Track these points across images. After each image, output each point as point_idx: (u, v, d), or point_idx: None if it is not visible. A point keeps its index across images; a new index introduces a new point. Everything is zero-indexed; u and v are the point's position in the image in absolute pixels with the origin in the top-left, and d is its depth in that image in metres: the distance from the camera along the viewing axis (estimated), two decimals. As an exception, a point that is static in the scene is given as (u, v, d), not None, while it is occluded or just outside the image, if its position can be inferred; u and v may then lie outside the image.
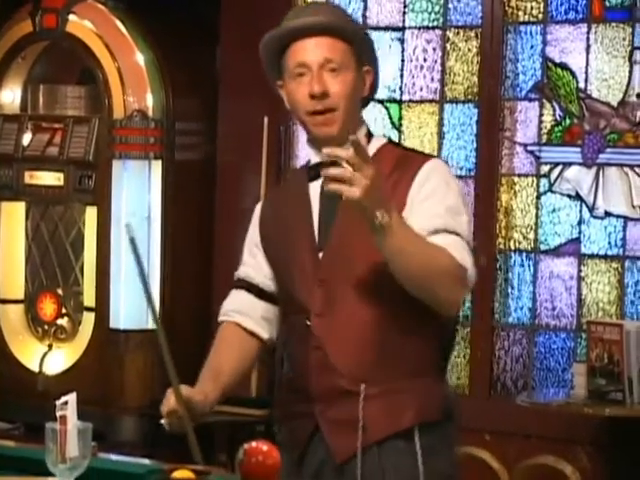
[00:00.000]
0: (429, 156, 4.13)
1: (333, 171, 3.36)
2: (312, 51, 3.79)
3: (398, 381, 3.80)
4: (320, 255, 3.84)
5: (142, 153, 7.27)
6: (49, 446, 3.22)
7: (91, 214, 7.27)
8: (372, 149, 3.82)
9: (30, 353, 7.43)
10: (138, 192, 7.30)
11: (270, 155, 7.09)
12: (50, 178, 7.41)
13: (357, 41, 3.84)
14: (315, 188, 3.88)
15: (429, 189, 3.78)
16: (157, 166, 7.29)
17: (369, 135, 3.92)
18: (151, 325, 6.52)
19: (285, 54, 3.82)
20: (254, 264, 4.06)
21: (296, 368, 4.03)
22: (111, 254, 7.06)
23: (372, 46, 3.95)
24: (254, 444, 3.12)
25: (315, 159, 3.90)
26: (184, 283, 7.40)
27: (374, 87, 3.98)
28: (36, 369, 7.20)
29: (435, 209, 3.75)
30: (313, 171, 3.90)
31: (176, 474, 3.26)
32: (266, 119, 7.02)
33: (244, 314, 4.01)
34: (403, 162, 3.85)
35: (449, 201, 3.78)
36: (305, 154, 6.88)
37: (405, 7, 7.36)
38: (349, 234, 3.77)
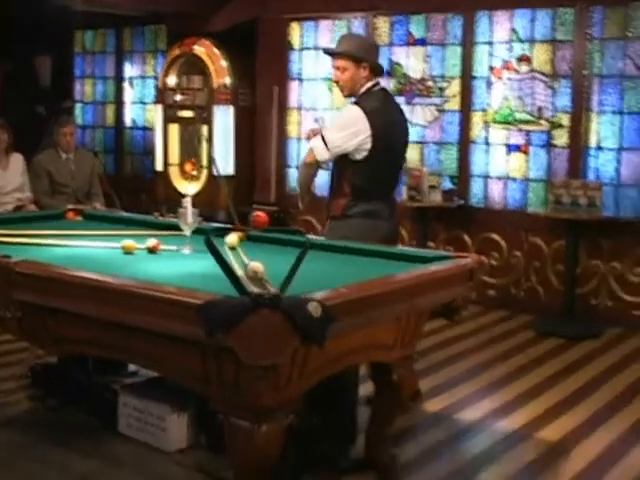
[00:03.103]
0: (357, 103, 4.58)
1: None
2: (334, 62, 4.65)
3: (335, 200, 4.65)
4: None
5: (225, 103, 8.76)
6: (181, 217, 4.07)
7: (204, 128, 8.75)
8: (377, 88, 4.61)
9: (181, 186, 8.87)
10: (223, 119, 8.75)
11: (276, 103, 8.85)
12: (188, 113, 8.92)
13: (353, 57, 4.54)
14: None
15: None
16: (231, 109, 8.77)
17: (374, 85, 4.59)
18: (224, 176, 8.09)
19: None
20: None
21: None
22: (213, 144, 8.57)
23: (365, 54, 4.56)
24: (256, 212, 4.16)
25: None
26: (242, 156, 8.81)
27: (375, 67, 4.61)
28: (184, 192, 8.15)
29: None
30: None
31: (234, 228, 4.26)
32: (276, 87, 8.81)
33: None
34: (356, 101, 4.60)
35: (333, 121, 4.95)
36: (294, 101, 8.75)
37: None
38: None
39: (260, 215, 4.32)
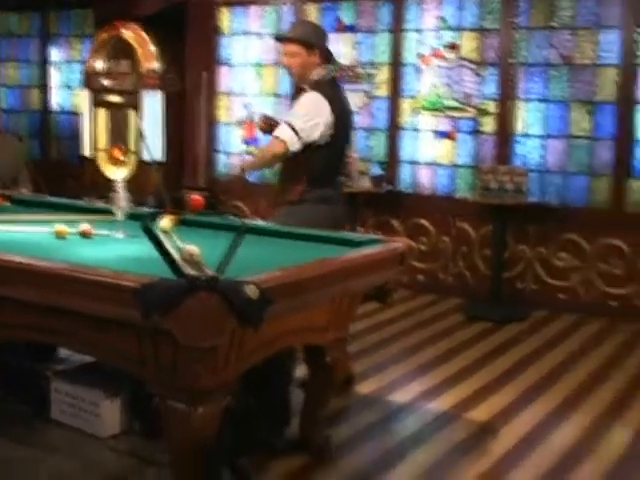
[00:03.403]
0: (316, 89, 4.55)
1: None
2: (285, 47, 4.64)
3: (291, 185, 4.64)
4: None
5: (153, 87, 8.66)
6: (113, 202, 4.22)
7: (133, 114, 8.68)
8: (328, 75, 4.62)
9: (109, 171, 8.82)
10: (152, 104, 8.63)
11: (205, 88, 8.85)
12: (116, 98, 8.83)
13: (304, 43, 4.54)
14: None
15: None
16: (159, 94, 8.68)
17: (326, 72, 4.59)
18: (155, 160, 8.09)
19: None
20: None
21: None
22: (141, 130, 8.44)
23: (316, 40, 4.59)
24: (192, 195, 4.08)
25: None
26: (173, 139, 8.75)
27: (326, 54, 4.64)
28: (112, 177, 8.36)
29: (292, 110, 4.61)
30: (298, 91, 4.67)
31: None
32: (204, 73, 8.79)
33: None
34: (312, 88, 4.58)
35: (295, 108, 4.58)
36: (223, 86, 8.74)
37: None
38: None
39: (197, 199, 4.29)
